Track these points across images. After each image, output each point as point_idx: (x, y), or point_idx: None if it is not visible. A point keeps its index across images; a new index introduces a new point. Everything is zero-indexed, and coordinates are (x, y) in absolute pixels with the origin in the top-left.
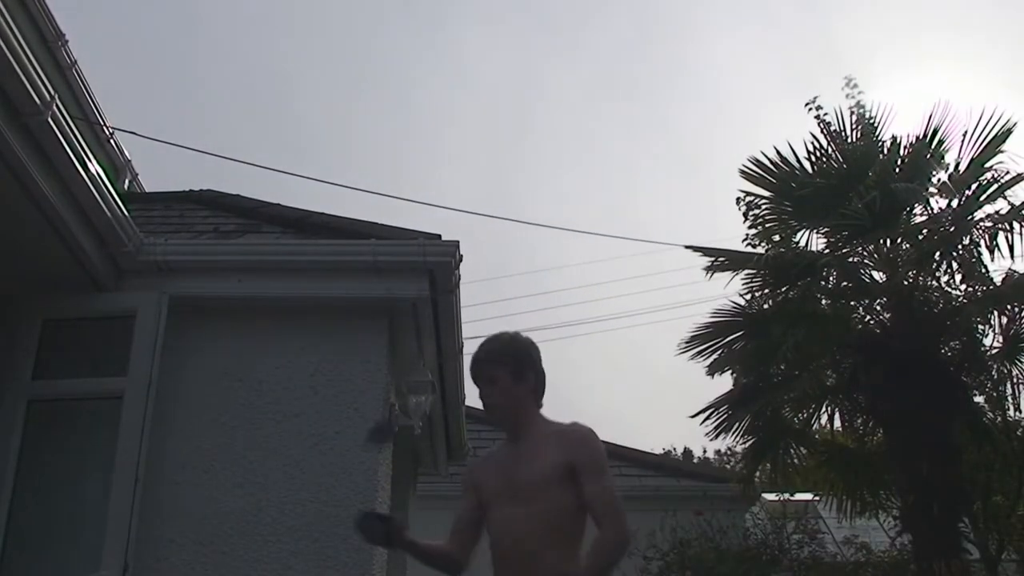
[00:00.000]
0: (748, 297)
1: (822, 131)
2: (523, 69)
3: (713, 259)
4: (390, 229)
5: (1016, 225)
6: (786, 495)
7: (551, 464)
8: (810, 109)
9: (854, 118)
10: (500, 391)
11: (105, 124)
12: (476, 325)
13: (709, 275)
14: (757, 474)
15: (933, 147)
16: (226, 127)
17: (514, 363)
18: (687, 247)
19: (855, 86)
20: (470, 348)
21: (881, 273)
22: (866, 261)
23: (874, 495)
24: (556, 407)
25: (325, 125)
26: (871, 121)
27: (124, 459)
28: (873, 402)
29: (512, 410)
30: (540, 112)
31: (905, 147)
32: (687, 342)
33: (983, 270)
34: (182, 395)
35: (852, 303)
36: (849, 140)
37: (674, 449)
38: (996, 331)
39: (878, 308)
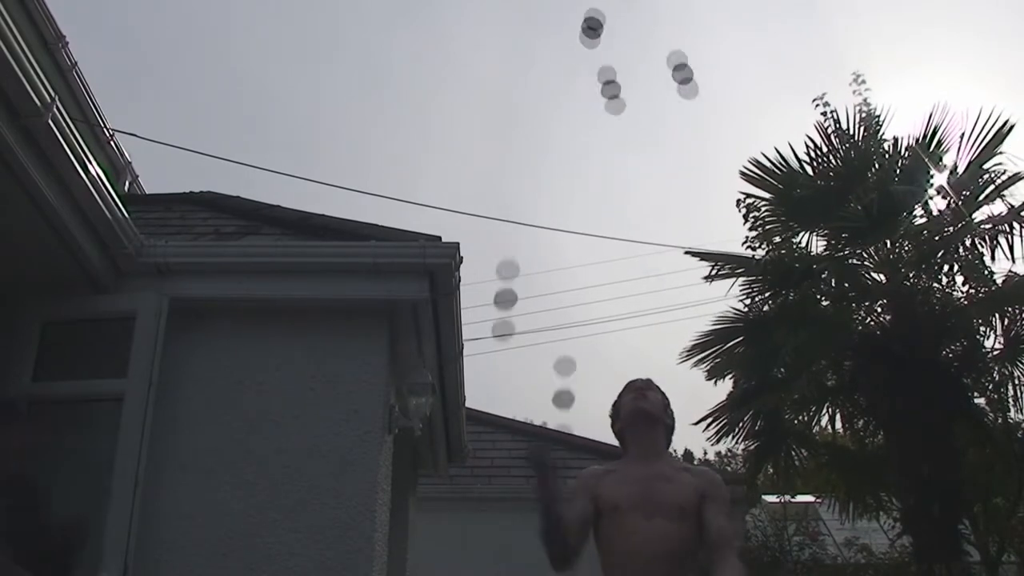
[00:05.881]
0: (748, 300)
1: (820, 134)
2: (520, 70)
3: (713, 264)
4: (390, 231)
5: (1016, 226)
6: (787, 497)
7: (694, 494)
8: (817, 105)
9: (861, 115)
10: (654, 403)
11: (105, 126)
12: (476, 327)
13: (709, 281)
14: (759, 477)
15: (932, 149)
16: (226, 130)
17: (665, 398)
18: (687, 252)
19: (863, 82)
20: (471, 350)
21: (881, 275)
22: (866, 263)
23: (875, 497)
24: (555, 410)
25: (325, 127)
26: (877, 119)
27: (124, 461)
28: (874, 404)
29: (655, 424)
30: (537, 113)
31: (904, 149)
32: (688, 350)
33: (985, 272)
34: (182, 397)
35: (852, 305)
36: (855, 138)
37: (675, 451)
38: (997, 333)
39: (878, 310)
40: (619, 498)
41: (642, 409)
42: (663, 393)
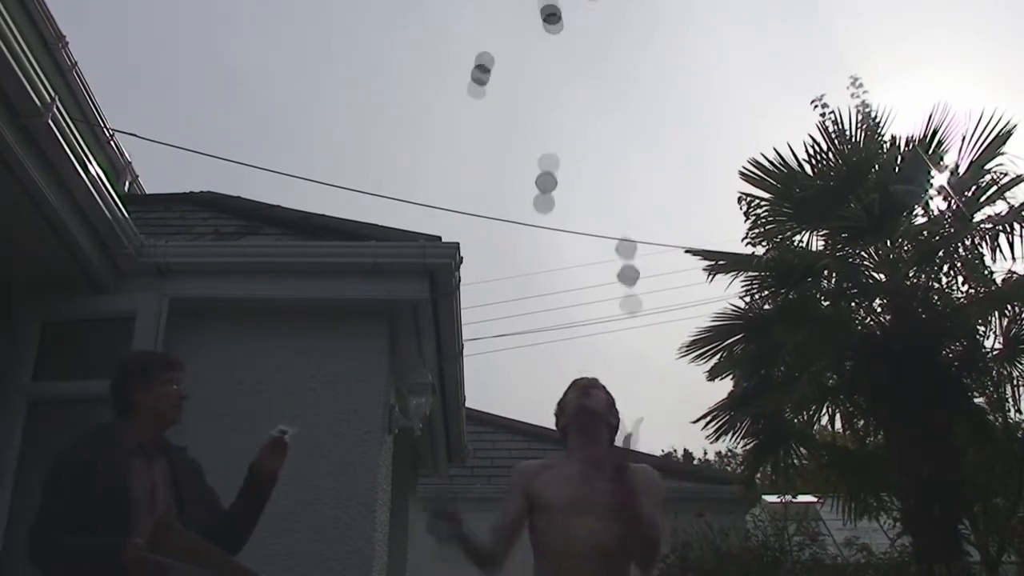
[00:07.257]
0: (748, 299)
1: (822, 133)
2: (519, 70)
3: (713, 262)
4: (390, 231)
5: (1016, 226)
6: (787, 497)
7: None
8: (816, 106)
9: (859, 117)
10: (598, 401)
11: (105, 126)
12: (475, 327)
13: (710, 278)
14: (758, 476)
15: (932, 149)
16: (226, 130)
17: (611, 397)
18: (687, 251)
19: (860, 85)
20: (470, 350)
21: (881, 274)
22: (866, 263)
23: (875, 497)
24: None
25: (325, 127)
26: (875, 120)
27: None
28: (874, 403)
29: (598, 423)
30: (537, 113)
31: (904, 149)
32: (687, 346)
33: (985, 271)
34: None
35: (852, 304)
36: (853, 140)
37: (674, 451)
38: (997, 333)
39: (878, 309)
40: (552, 497)
41: (586, 407)
42: (608, 392)
